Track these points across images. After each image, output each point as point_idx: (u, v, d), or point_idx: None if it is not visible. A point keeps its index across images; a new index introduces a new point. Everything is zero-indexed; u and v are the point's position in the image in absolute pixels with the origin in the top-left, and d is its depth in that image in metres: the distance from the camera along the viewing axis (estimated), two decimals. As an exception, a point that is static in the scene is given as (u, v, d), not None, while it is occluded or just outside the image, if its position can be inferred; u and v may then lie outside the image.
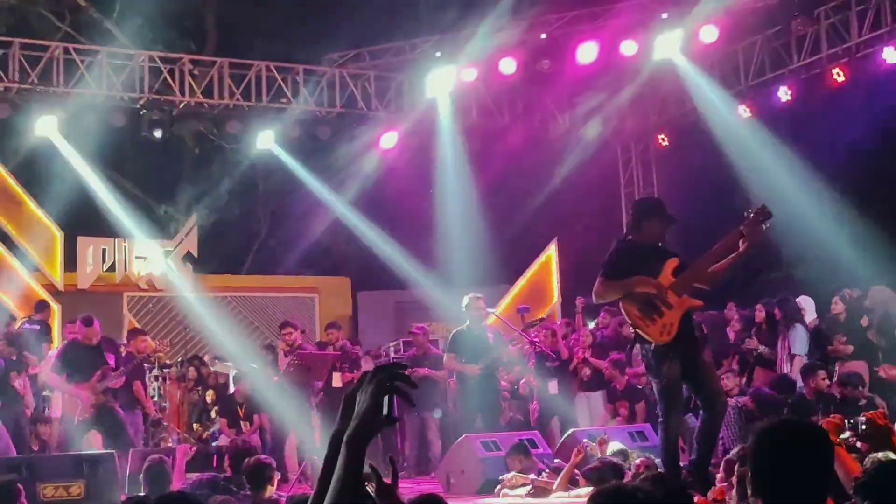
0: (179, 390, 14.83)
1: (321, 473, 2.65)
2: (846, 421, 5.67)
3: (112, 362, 11.79)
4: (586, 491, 9.18)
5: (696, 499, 6.61)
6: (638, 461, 8.89)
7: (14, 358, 12.41)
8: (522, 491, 9.82)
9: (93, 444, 11.26)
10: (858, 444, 5.69)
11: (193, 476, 9.01)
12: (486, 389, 12.54)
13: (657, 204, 8.58)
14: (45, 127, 16.10)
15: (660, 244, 8.38)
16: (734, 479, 5.90)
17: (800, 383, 11.60)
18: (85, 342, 11.63)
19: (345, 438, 2.53)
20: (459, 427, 12.57)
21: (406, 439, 14.38)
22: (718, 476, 7.56)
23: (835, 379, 11.87)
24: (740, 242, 7.99)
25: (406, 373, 2.61)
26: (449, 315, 13.08)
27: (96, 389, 11.40)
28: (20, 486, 7.10)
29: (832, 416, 5.90)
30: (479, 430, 11.90)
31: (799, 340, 12.58)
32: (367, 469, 4.00)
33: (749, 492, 3.33)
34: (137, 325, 17.48)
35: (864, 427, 5.54)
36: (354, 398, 2.71)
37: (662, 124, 18.70)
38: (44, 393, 13.29)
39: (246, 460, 8.37)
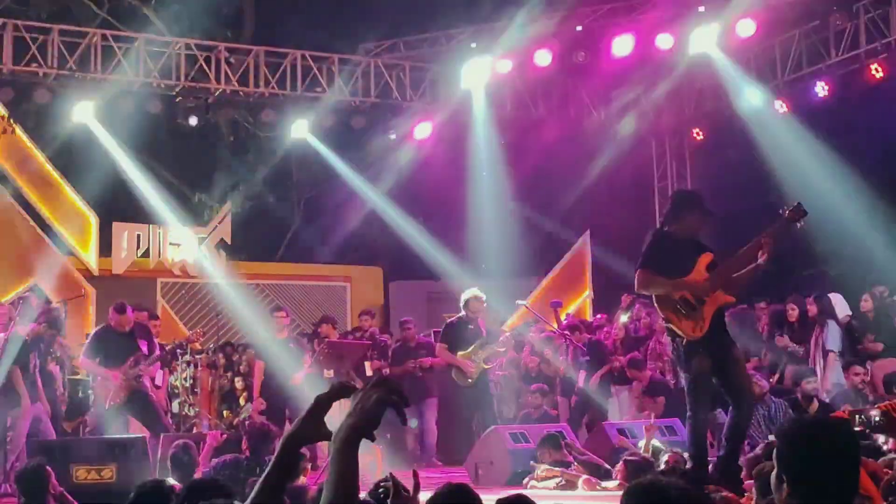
0: (211, 377, 14.92)
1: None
2: (856, 416, 5.64)
3: (145, 349, 11.88)
4: (614, 484, 9.20)
5: (724, 494, 6.62)
6: (667, 456, 8.88)
7: (51, 340, 12.51)
8: (551, 483, 9.84)
9: (126, 428, 11.38)
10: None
11: (216, 460, 9.09)
12: (478, 384, 12.66)
13: (696, 196, 8.54)
14: (82, 113, 16.24)
15: (696, 237, 8.37)
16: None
17: (835, 380, 11.63)
18: (118, 328, 11.73)
19: (341, 437, 2.56)
20: (456, 418, 12.97)
21: (422, 430, 14.45)
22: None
23: (868, 378, 11.86)
24: (759, 254, 7.97)
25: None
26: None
27: (129, 375, 11.50)
28: (49, 469, 7.19)
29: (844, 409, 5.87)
30: (478, 424, 12.06)
31: (832, 337, 12.54)
32: (388, 479, 4.06)
33: (781, 495, 3.32)
34: (170, 311, 17.64)
35: (877, 419, 5.52)
36: (325, 402, 2.76)
37: (698, 118, 18.62)
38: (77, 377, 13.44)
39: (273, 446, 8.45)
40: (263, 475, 2.77)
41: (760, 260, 7.99)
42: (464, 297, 12.84)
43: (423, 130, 17.98)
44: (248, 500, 2.75)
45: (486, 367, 12.70)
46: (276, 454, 2.79)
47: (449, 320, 13.12)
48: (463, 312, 12.80)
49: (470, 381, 12.59)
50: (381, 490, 4.57)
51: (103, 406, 11.61)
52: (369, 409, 2.60)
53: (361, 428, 2.59)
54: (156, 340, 12.51)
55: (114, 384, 11.48)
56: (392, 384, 2.68)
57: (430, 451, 13.47)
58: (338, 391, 2.88)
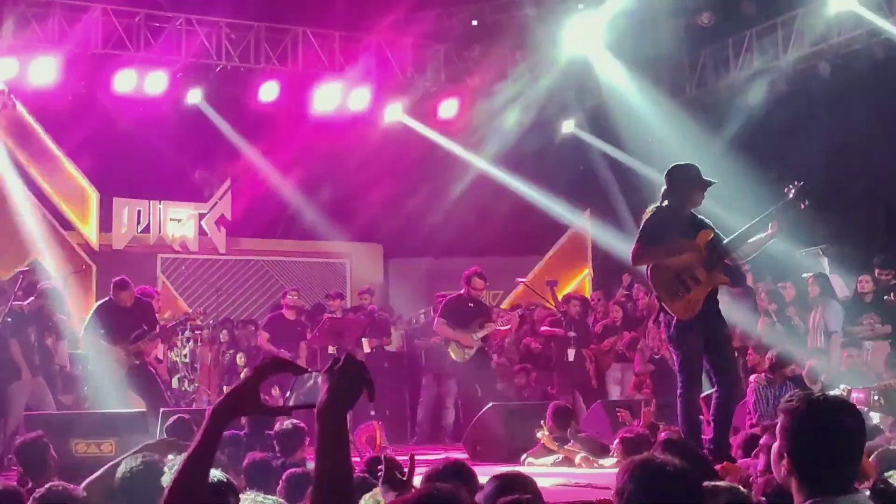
0: (211, 352, 14.95)
1: None
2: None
3: (146, 325, 11.90)
4: (612, 461, 9.24)
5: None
6: (663, 434, 8.91)
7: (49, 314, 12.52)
8: (549, 460, 9.88)
9: (126, 403, 11.42)
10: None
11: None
12: (478, 361, 12.59)
13: (692, 170, 8.50)
14: (82, 88, 16.20)
15: (694, 213, 8.37)
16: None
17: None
18: (119, 304, 11.76)
19: (327, 413, 2.56)
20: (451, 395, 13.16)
21: (421, 406, 14.50)
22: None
23: (868, 359, 11.90)
24: (770, 225, 8.01)
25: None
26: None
27: (129, 351, 11.54)
28: (47, 442, 7.21)
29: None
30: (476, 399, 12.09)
31: (835, 317, 12.56)
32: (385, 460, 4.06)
33: (783, 471, 3.34)
34: (170, 287, 17.67)
35: (876, 398, 5.57)
36: (260, 375, 2.73)
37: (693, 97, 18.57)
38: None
39: (279, 423, 8.47)
40: (191, 447, 2.73)
41: (770, 231, 8.03)
42: (467, 274, 12.78)
43: (425, 108, 18.00)
44: (175, 472, 2.72)
45: (481, 343, 12.60)
46: (203, 425, 2.74)
47: (449, 296, 13.03)
48: (464, 290, 12.73)
49: (466, 356, 12.49)
50: (379, 468, 4.61)
51: (103, 381, 11.66)
52: (348, 384, 2.59)
53: (344, 402, 2.58)
54: (157, 316, 12.56)
55: (114, 359, 11.52)
56: (360, 363, 2.66)
57: (447, 432, 13.53)
58: (276, 366, 2.86)
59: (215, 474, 4.06)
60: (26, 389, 11.46)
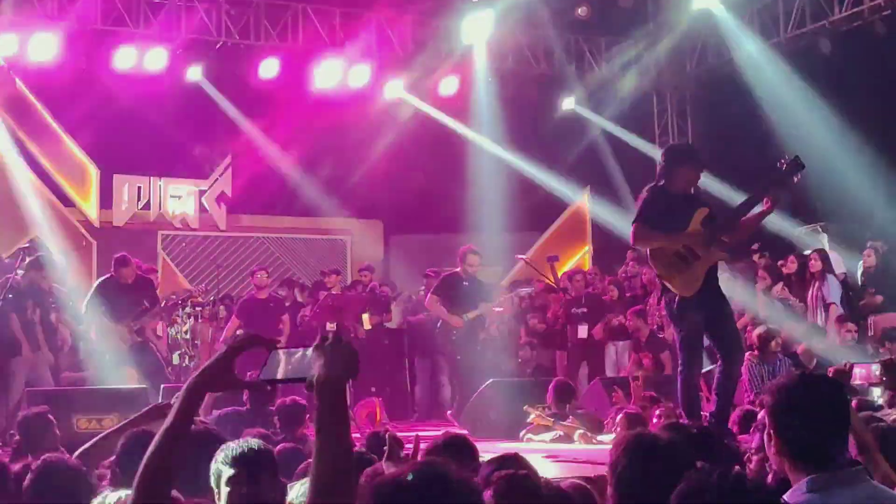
0: (211, 329, 14.98)
1: None
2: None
3: (147, 302, 11.94)
4: (610, 438, 9.28)
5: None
6: (658, 410, 8.96)
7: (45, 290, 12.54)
8: (548, 436, 9.92)
9: (128, 379, 11.46)
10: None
11: (216, 412, 9.15)
12: (467, 342, 12.43)
13: (688, 150, 8.50)
14: (82, 64, 16.17)
15: (691, 192, 8.39)
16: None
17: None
18: (120, 280, 11.78)
19: (326, 389, 2.57)
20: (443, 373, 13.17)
21: (417, 384, 14.53)
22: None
23: (870, 333, 11.95)
24: (765, 200, 8.02)
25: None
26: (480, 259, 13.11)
27: (131, 328, 11.58)
28: (51, 418, 7.25)
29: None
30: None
31: (834, 290, 12.61)
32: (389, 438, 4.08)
33: (774, 449, 3.37)
34: (171, 264, 17.69)
35: (878, 372, 5.59)
36: (235, 350, 2.80)
37: (699, 75, 18.55)
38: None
39: (281, 400, 8.50)
40: (167, 422, 2.77)
41: (766, 207, 8.03)
42: (461, 251, 12.65)
43: (425, 85, 17.97)
44: (151, 445, 2.76)
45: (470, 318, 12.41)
46: (178, 401, 2.79)
47: (444, 274, 12.90)
48: (459, 267, 12.59)
49: (455, 334, 12.34)
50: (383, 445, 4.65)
51: (104, 357, 11.70)
52: (344, 357, 2.61)
53: (342, 375, 2.60)
54: (158, 293, 12.60)
55: (116, 336, 11.57)
56: (349, 341, 2.68)
57: (446, 407, 13.54)
58: (249, 341, 2.90)
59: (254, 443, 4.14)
60: (26, 365, 11.50)
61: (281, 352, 2.83)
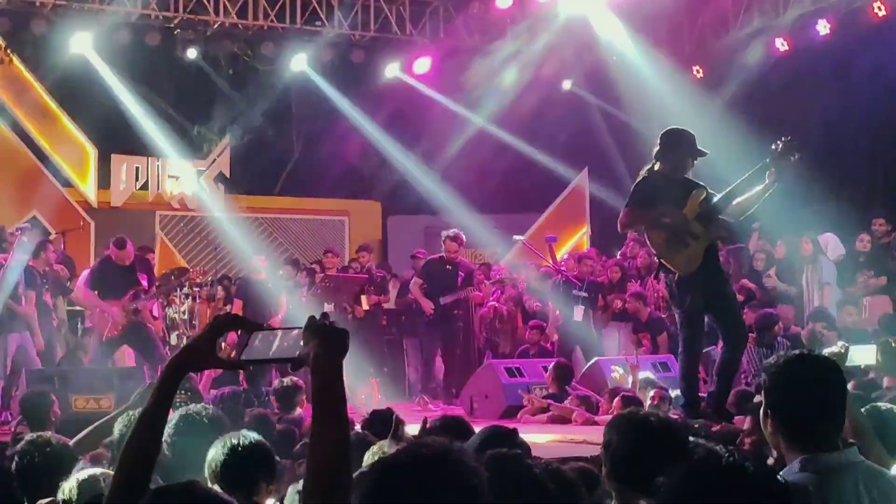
0: (209, 309, 14.98)
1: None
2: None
3: (145, 283, 11.94)
4: (608, 419, 9.30)
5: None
6: (653, 392, 8.99)
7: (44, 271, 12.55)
8: (544, 416, 9.95)
9: (125, 359, 11.48)
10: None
11: (214, 392, 9.17)
12: (444, 327, 12.77)
13: (684, 135, 8.51)
14: (80, 44, 16.15)
15: (687, 175, 8.39)
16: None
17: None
18: (118, 262, 11.78)
19: (314, 363, 2.57)
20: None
21: (410, 365, 14.54)
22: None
23: (866, 315, 11.95)
24: (767, 175, 8.01)
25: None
26: (478, 241, 13.12)
27: (127, 309, 11.58)
28: (53, 398, 7.28)
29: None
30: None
31: (827, 271, 12.63)
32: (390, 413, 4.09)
33: (770, 429, 3.38)
34: (169, 244, 17.68)
35: (874, 355, 5.62)
36: (217, 330, 2.80)
37: (697, 56, 18.49)
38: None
39: (279, 381, 8.53)
40: (148, 401, 2.76)
41: (768, 181, 8.03)
42: (442, 236, 12.85)
43: (422, 65, 17.92)
44: (132, 425, 2.77)
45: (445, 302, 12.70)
46: (159, 379, 2.78)
47: (429, 257, 13.19)
48: (442, 253, 12.83)
49: (427, 316, 12.69)
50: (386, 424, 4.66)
51: (100, 337, 11.72)
52: (335, 336, 2.61)
53: (336, 353, 2.59)
54: (155, 275, 12.60)
55: (112, 316, 11.57)
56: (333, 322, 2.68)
57: (438, 385, 13.57)
58: (231, 322, 2.90)
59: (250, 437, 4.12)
60: (13, 345, 11.50)
61: (263, 333, 2.81)
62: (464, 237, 12.95)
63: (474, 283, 13.34)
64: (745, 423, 5.64)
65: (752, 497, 2.38)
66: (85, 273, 12.56)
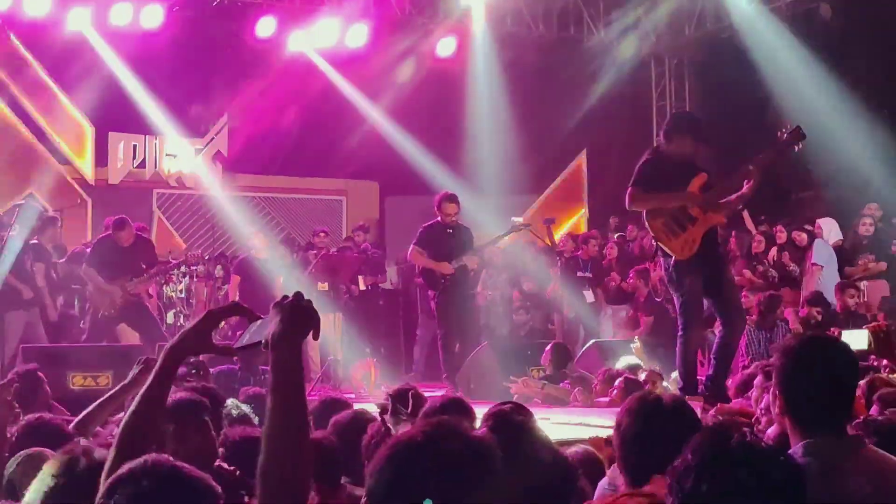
0: (207, 288, 14.99)
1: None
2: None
3: (143, 265, 11.94)
4: (605, 401, 9.29)
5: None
6: (644, 375, 9.01)
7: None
8: (537, 399, 9.93)
9: (124, 337, 11.49)
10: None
11: (211, 370, 9.17)
12: (458, 294, 11.70)
13: (691, 120, 8.54)
14: (78, 21, 16.08)
15: (689, 160, 8.39)
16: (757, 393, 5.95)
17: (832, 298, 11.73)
18: (118, 242, 11.78)
19: (274, 340, 2.59)
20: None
21: (417, 345, 14.52)
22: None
23: (864, 299, 11.97)
24: (745, 182, 8.06)
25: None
26: (476, 222, 13.06)
27: (126, 289, 11.59)
28: (41, 375, 7.26)
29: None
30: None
31: (818, 252, 12.67)
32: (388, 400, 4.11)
33: (777, 409, 3.38)
34: (166, 222, 17.66)
35: (866, 339, 5.64)
36: (215, 317, 2.90)
37: (698, 39, 18.45)
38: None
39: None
40: (146, 384, 2.83)
41: (745, 189, 8.08)
42: (437, 199, 11.83)
43: (423, 46, 17.88)
44: (129, 410, 2.82)
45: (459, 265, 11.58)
46: (157, 364, 2.85)
47: (425, 224, 11.94)
48: (438, 217, 11.72)
49: (444, 282, 11.49)
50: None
51: (97, 315, 11.73)
52: (300, 315, 2.63)
53: (297, 332, 2.61)
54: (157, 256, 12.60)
55: (111, 295, 11.58)
56: (309, 301, 2.70)
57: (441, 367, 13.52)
58: (231, 309, 2.96)
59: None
60: (21, 321, 11.54)
61: (261, 321, 2.86)
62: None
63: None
64: (760, 402, 5.61)
65: (766, 476, 2.37)
66: (88, 249, 12.51)
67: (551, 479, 3.14)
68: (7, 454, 4.61)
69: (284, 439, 2.48)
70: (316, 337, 2.65)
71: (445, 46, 18.08)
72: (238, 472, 4.12)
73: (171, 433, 4.23)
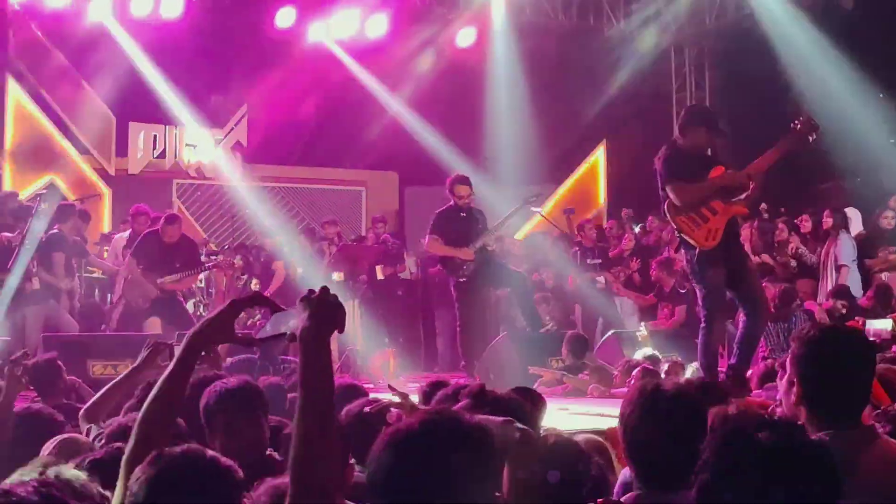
0: (226, 278, 15.02)
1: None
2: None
3: (181, 264, 12.00)
4: (624, 391, 9.29)
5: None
6: (667, 366, 9.00)
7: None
8: (559, 389, 9.95)
9: (152, 328, 11.54)
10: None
11: (230, 359, 9.21)
12: (479, 281, 11.45)
13: (705, 113, 8.56)
14: (99, 11, 16.13)
15: (705, 152, 8.39)
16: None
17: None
18: (163, 237, 11.85)
19: (303, 334, 2.60)
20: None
21: (439, 336, 14.52)
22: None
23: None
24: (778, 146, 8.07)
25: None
26: (494, 212, 13.02)
27: (161, 286, 11.66)
28: (60, 364, 7.31)
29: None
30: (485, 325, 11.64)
31: (845, 250, 12.58)
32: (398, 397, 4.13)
33: (793, 398, 3.37)
34: (186, 212, 17.70)
35: (889, 329, 5.63)
36: (238, 306, 2.95)
37: (718, 29, 18.37)
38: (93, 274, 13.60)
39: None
40: (167, 371, 2.90)
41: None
42: (448, 182, 11.53)
43: (443, 36, 17.87)
44: (152, 392, 2.87)
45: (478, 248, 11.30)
46: (179, 352, 2.90)
47: (438, 210, 11.66)
48: (451, 201, 11.47)
49: (465, 269, 11.28)
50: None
51: (129, 306, 11.83)
52: (329, 309, 2.64)
53: (327, 326, 2.62)
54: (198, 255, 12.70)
55: (141, 287, 11.67)
56: (335, 295, 2.71)
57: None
58: (254, 300, 3.01)
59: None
60: (44, 312, 11.61)
61: (281, 313, 2.96)
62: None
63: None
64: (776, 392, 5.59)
65: (796, 465, 2.35)
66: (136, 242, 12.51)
67: (564, 466, 3.14)
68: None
69: (315, 432, 2.49)
70: (341, 331, 2.66)
71: (465, 37, 18.06)
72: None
73: (221, 424, 4.27)
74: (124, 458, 2.79)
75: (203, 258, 14.02)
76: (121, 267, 12.57)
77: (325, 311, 2.62)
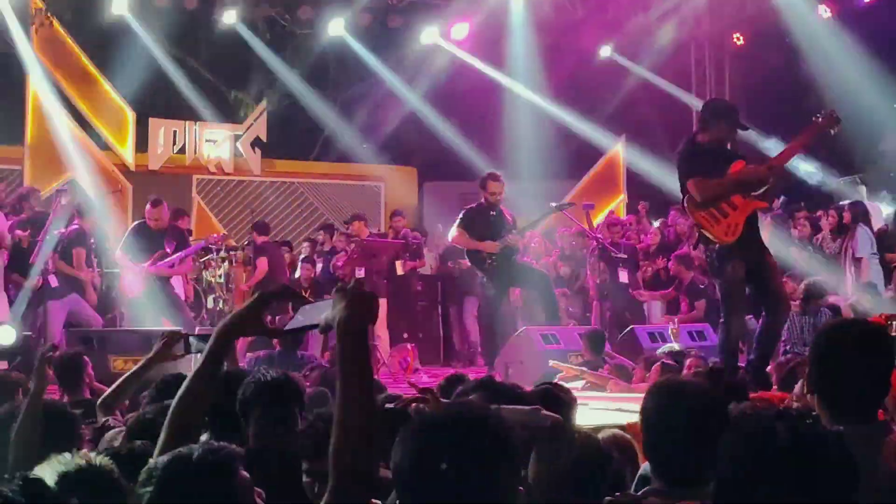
0: (245, 273, 15.06)
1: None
2: (892, 322, 5.70)
3: (170, 250, 11.99)
4: (644, 387, 9.27)
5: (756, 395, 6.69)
6: (689, 361, 8.96)
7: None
8: (578, 384, 9.93)
9: (158, 321, 11.57)
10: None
11: (249, 355, 9.27)
12: (504, 277, 11.46)
13: (725, 107, 8.51)
14: (119, 7, 16.19)
15: (725, 147, 8.37)
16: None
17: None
18: (150, 224, 11.85)
19: (341, 325, 2.61)
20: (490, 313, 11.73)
21: (453, 330, 14.53)
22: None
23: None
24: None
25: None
26: (513, 208, 13.01)
27: (147, 273, 11.67)
28: (86, 358, 7.35)
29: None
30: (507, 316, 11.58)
31: (862, 243, 12.53)
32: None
33: (806, 389, 3.37)
34: (205, 208, 17.76)
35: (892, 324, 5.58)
36: (267, 299, 2.97)
37: (738, 23, 18.31)
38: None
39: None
40: (200, 363, 2.92)
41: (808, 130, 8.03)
42: (481, 179, 11.52)
43: (460, 31, 17.85)
44: (183, 386, 2.89)
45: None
46: (210, 343, 2.91)
47: (468, 206, 11.64)
48: (482, 198, 11.41)
49: (490, 262, 11.20)
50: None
51: (139, 299, 11.86)
52: (365, 300, 2.65)
53: (364, 316, 2.63)
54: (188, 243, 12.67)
55: (136, 278, 11.71)
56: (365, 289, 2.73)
57: (475, 350, 13.49)
58: (282, 292, 3.02)
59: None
60: (66, 307, 11.66)
61: (310, 305, 2.97)
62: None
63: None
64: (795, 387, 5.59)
65: (814, 458, 2.35)
66: (124, 235, 12.62)
67: (584, 460, 3.15)
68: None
69: (355, 424, 2.51)
70: (373, 323, 2.69)
71: (484, 31, 17.97)
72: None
73: (257, 415, 4.29)
74: (157, 449, 2.82)
75: (223, 255, 14.06)
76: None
77: (362, 302, 2.63)
